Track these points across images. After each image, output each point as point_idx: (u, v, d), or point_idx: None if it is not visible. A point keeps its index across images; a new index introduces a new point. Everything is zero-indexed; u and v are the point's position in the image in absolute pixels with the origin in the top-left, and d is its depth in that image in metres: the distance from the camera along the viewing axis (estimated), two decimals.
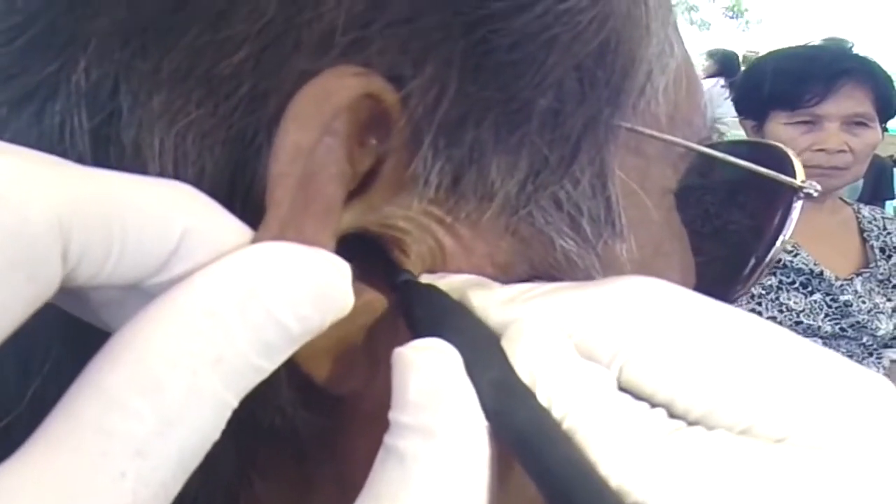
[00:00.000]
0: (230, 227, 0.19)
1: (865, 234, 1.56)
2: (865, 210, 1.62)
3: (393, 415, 0.18)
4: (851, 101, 1.49)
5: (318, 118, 0.20)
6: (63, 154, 0.18)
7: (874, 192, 2.31)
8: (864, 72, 1.50)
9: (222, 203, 0.19)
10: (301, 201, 0.20)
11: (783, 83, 1.49)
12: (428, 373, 0.19)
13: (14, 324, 0.15)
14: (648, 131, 0.25)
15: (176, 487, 0.16)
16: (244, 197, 0.21)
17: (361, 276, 0.23)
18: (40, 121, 0.21)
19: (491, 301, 0.21)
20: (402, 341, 0.23)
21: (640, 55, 0.24)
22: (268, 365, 0.17)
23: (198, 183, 0.20)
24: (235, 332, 0.17)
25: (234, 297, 0.17)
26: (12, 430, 0.22)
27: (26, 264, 0.15)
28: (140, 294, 0.17)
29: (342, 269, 0.19)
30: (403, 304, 0.22)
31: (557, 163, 0.23)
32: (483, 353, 0.20)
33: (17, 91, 0.21)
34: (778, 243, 0.30)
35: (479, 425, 0.18)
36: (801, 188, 0.28)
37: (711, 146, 0.28)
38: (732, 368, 0.19)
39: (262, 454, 0.25)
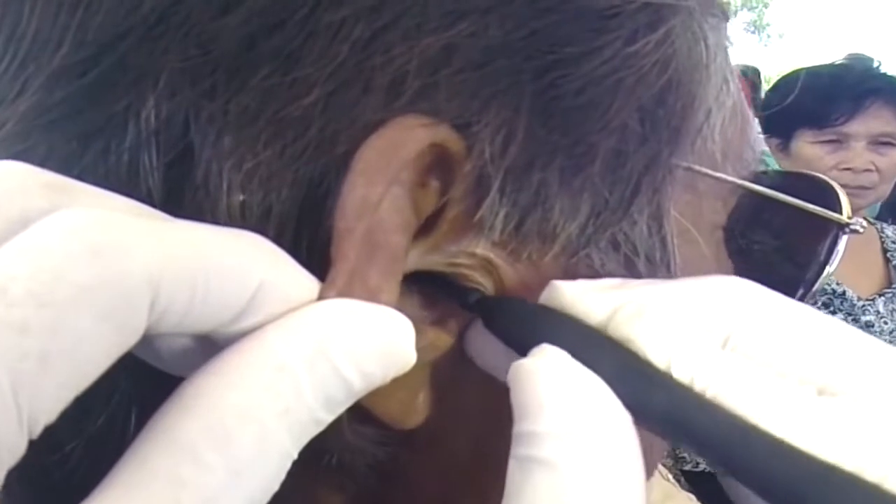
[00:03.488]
0: (300, 280, 0.19)
1: (889, 255, 1.56)
2: (889, 230, 1.61)
3: (524, 427, 0.18)
4: (879, 120, 1.48)
5: (385, 172, 0.20)
6: (131, 192, 0.19)
7: (894, 212, 2.28)
8: (892, 91, 1.49)
9: (288, 244, 0.20)
10: (366, 253, 0.20)
11: (810, 101, 1.49)
12: (553, 377, 0.19)
13: (97, 372, 0.15)
14: (705, 170, 0.25)
15: None
16: (310, 239, 0.21)
17: (424, 310, 0.23)
18: (107, 158, 0.21)
19: (586, 296, 0.21)
20: (466, 374, 0.23)
21: (699, 95, 0.24)
22: (328, 417, 0.18)
23: (264, 224, 0.21)
24: (303, 387, 0.17)
25: (304, 352, 0.17)
26: (69, 460, 0.22)
27: (118, 316, 0.15)
28: (208, 343, 0.18)
29: (405, 327, 0.20)
30: (486, 321, 0.22)
31: (617, 204, 0.23)
32: (593, 347, 0.20)
33: (86, 126, 0.21)
34: (823, 276, 0.30)
35: (624, 417, 0.18)
36: (847, 224, 0.29)
37: (759, 179, 0.28)
38: (839, 347, 0.19)
39: (321, 493, 0.25)
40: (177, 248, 0.17)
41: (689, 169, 0.25)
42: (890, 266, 1.55)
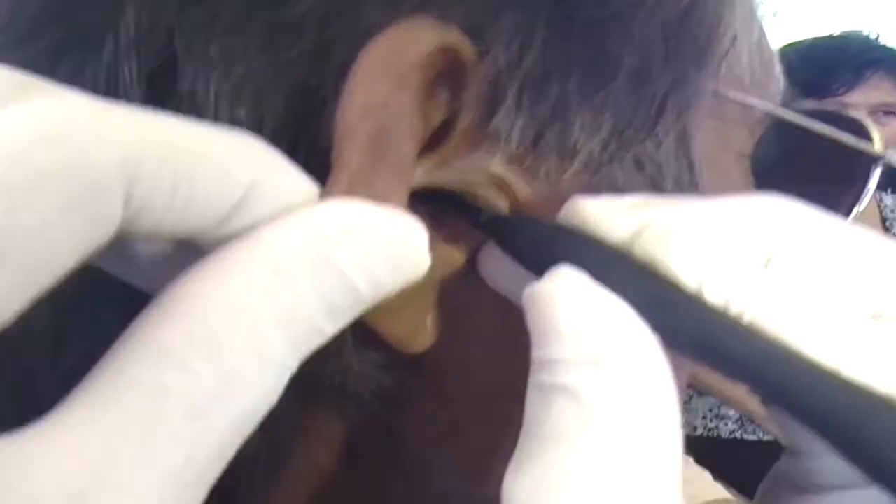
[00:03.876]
0: (298, 182, 0.18)
1: (888, 223, 1.55)
2: (889, 199, 1.60)
3: (544, 353, 0.17)
4: (879, 90, 1.48)
5: (390, 75, 0.19)
6: None
7: (893, 182, 2.28)
8: (892, 62, 1.49)
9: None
10: (372, 157, 0.19)
11: (811, 73, 1.48)
12: (572, 301, 0.17)
13: (64, 269, 0.14)
14: (733, 94, 0.24)
15: (231, 453, 0.15)
16: (307, 153, 0.19)
17: (433, 228, 0.22)
18: (83, 73, 0.20)
19: (610, 212, 0.19)
20: (478, 296, 0.22)
21: (726, 18, 0.24)
22: (331, 328, 0.16)
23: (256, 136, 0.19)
24: (303, 292, 0.15)
25: (305, 253, 0.16)
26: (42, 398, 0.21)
27: (86, 205, 0.13)
28: (194, 251, 0.16)
29: (417, 230, 0.18)
30: (499, 241, 0.21)
31: (642, 123, 0.22)
32: (616, 268, 0.18)
33: (59, 39, 0.20)
34: (854, 211, 0.29)
35: (651, 341, 0.17)
36: (880, 157, 0.28)
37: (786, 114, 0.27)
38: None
39: (320, 419, 0.24)
40: (157, 134, 0.15)
41: (716, 93, 0.24)
42: (889, 235, 1.54)
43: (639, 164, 0.22)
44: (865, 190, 0.29)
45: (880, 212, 1.57)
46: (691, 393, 1.38)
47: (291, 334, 0.15)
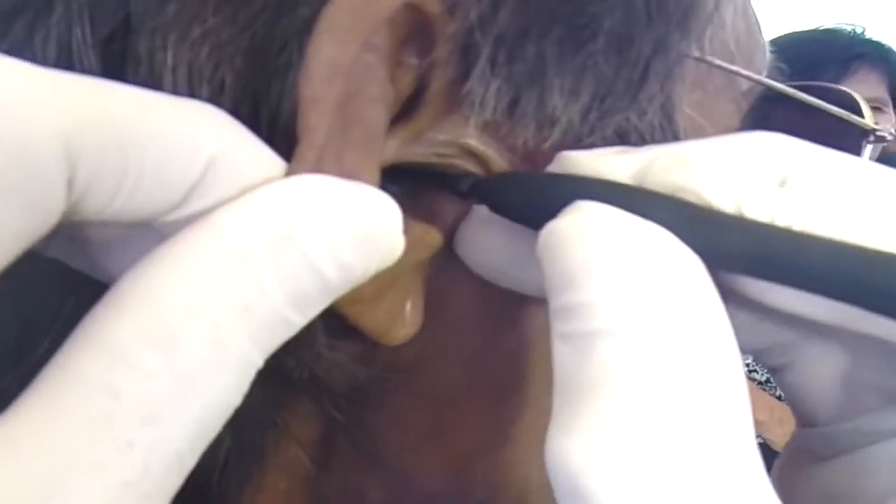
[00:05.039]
0: (261, 156, 0.16)
1: None
2: None
3: (572, 296, 0.15)
4: (866, 85, 1.47)
5: (355, 32, 0.17)
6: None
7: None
8: (879, 56, 1.49)
9: (246, 124, 0.16)
10: (339, 127, 0.17)
11: (797, 67, 1.47)
12: (606, 232, 0.15)
13: (4, 260, 0.12)
14: (718, 62, 0.23)
15: (193, 459, 0.13)
16: (271, 119, 0.18)
17: (409, 208, 0.20)
18: (32, 37, 0.18)
19: (605, 157, 0.18)
20: (456, 281, 0.21)
21: None
22: (299, 319, 0.15)
23: (216, 100, 0.18)
24: (266, 279, 0.14)
25: (266, 237, 0.14)
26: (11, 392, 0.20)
27: (23, 190, 0.12)
28: (152, 235, 0.15)
29: (391, 208, 0.17)
30: (490, 203, 0.19)
31: (624, 89, 0.21)
32: (638, 201, 0.17)
33: (6, 2, 0.18)
34: None
35: (699, 266, 0.15)
36: (873, 130, 0.26)
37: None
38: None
39: (292, 408, 0.22)
40: (101, 107, 0.13)
41: (701, 59, 0.23)
42: None
43: (621, 136, 0.21)
44: None
45: None
46: None
47: (254, 326, 0.14)
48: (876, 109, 1.48)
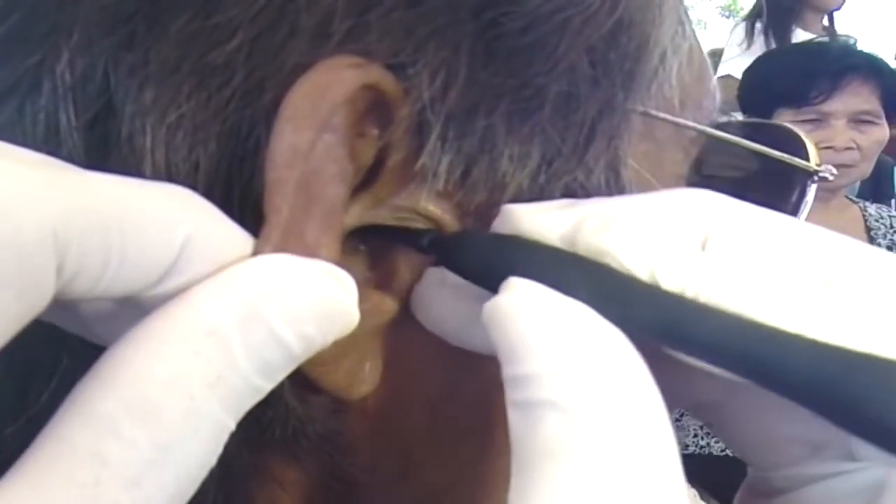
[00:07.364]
0: (231, 236, 0.18)
1: (872, 233, 1.55)
2: (872, 208, 1.60)
3: (518, 369, 0.16)
4: (857, 98, 1.48)
5: (314, 117, 0.19)
6: (52, 153, 0.17)
7: (874, 191, 2.28)
8: (871, 68, 1.49)
9: (219, 202, 0.18)
10: (301, 206, 0.19)
11: (789, 80, 1.48)
12: (537, 312, 0.17)
13: (1, 341, 0.14)
14: (663, 115, 0.24)
15: None
16: (242, 195, 0.20)
17: (368, 270, 0.22)
18: (22, 119, 0.20)
19: (542, 214, 0.19)
20: (414, 338, 0.22)
21: (653, 36, 0.23)
22: (266, 385, 0.16)
23: (192, 180, 0.19)
24: (236, 353, 0.16)
25: (235, 315, 0.16)
26: (9, 446, 0.21)
27: (16, 280, 0.14)
28: (135, 307, 0.16)
29: (346, 283, 0.18)
30: (444, 260, 0.21)
31: (571, 151, 0.22)
32: (566, 267, 0.18)
33: None
34: None
35: (619, 338, 0.17)
36: (815, 172, 0.28)
37: (721, 129, 0.27)
38: (822, 244, 0.18)
39: (275, 460, 0.24)
40: (85, 199, 0.15)
41: (646, 114, 0.24)
42: (874, 244, 1.54)
43: (569, 195, 0.22)
44: (803, 204, 0.29)
45: (864, 221, 1.57)
46: (682, 411, 1.37)
47: (225, 395, 0.16)
48: (868, 122, 1.49)
